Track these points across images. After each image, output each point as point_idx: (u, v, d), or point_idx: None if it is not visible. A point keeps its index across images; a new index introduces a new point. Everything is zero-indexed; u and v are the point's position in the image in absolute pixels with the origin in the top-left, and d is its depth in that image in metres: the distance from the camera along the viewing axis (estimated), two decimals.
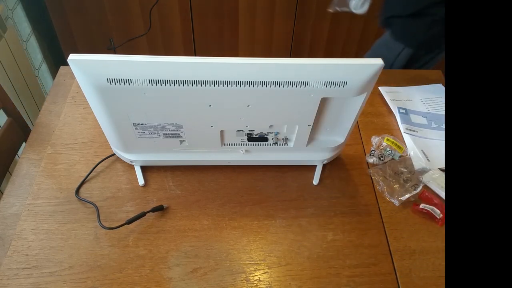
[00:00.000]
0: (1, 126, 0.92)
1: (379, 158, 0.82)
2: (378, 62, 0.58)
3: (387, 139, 0.84)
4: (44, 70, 1.58)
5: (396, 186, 0.78)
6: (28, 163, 0.80)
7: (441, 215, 0.73)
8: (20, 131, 0.95)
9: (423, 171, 0.80)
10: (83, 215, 0.72)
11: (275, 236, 0.71)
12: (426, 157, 0.83)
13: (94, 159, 0.81)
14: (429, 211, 0.74)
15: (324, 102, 0.65)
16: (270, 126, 0.70)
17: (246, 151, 0.76)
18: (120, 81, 0.58)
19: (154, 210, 0.72)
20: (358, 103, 0.66)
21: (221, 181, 0.79)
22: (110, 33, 1.63)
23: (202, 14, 1.61)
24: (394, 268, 0.68)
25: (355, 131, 0.89)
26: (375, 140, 0.85)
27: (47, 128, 0.87)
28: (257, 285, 0.65)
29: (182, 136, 0.71)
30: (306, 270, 0.67)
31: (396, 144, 0.83)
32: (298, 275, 0.66)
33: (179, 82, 0.58)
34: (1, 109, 0.92)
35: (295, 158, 0.79)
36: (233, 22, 1.66)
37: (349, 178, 0.80)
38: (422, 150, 0.84)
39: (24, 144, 0.86)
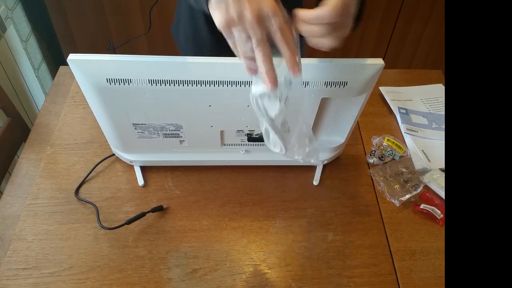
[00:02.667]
0: (1, 126, 0.92)
1: (380, 158, 0.82)
2: (379, 62, 0.58)
3: (388, 139, 0.84)
4: (43, 70, 1.58)
5: (396, 186, 0.77)
6: (27, 163, 0.80)
7: (442, 216, 0.72)
8: (19, 131, 0.95)
9: (424, 172, 0.80)
10: (82, 216, 0.72)
11: (275, 237, 0.71)
12: (427, 157, 0.83)
13: (93, 159, 0.80)
14: (429, 211, 0.73)
15: (324, 102, 0.65)
16: None
17: (246, 151, 0.76)
18: (119, 81, 0.57)
19: (153, 210, 0.72)
20: (358, 103, 0.65)
21: (221, 181, 0.78)
22: (110, 33, 1.62)
23: None
24: (395, 268, 0.68)
25: (356, 131, 0.89)
26: (375, 140, 0.85)
27: (47, 128, 0.86)
28: (257, 286, 0.65)
29: (182, 136, 0.71)
30: (307, 271, 0.67)
31: (396, 144, 0.83)
32: (299, 276, 0.66)
33: (179, 82, 0.58)
34: (1, 109, 0.92)
35: None
36: None
37: (349, 178, 0.80)
38: (422, 150, 0.84)
39: (23, 144, 0.86)
